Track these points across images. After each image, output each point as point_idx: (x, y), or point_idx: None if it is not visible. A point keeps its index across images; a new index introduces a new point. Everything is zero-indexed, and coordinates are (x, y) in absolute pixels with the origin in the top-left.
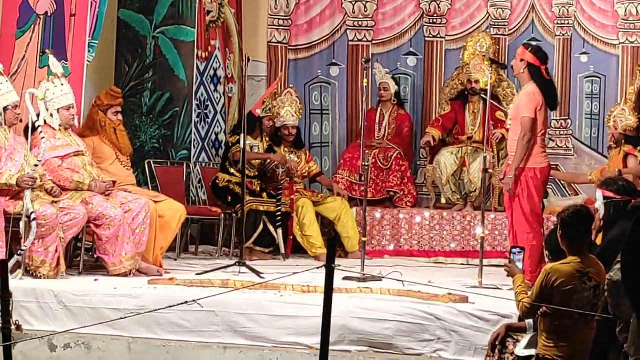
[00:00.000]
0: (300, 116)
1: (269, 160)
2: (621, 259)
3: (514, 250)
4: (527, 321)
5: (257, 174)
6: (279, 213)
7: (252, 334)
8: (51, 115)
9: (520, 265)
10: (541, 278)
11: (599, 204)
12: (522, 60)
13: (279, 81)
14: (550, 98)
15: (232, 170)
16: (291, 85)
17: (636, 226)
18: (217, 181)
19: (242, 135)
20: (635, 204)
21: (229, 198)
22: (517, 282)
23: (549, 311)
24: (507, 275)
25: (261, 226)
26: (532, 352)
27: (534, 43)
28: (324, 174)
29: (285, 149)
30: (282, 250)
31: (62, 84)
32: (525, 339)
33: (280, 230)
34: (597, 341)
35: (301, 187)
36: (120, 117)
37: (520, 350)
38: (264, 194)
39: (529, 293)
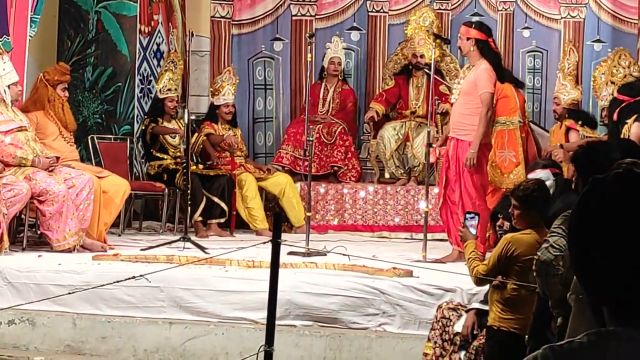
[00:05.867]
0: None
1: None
2: (568, 235)
3: (467, 215)
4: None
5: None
6: (217, 176)
7: (198, 309)
8: (4, 91)
9: (473, 230)
10: (500, 247)
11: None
12: (468, 38)
13: None
14: (499, 71)
15: (159, 155)
16: (232, 65)
17: (585, 199)
18: (149, 170)
19: (186, 110)
20: (596, 177)
21: (165, 177)
22: (469, 248)
23: (503, 281)
24: (460, 240)
25: (204, 200)
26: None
27: (476, 18)
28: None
29: (222, 126)
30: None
31: (8, 60)
32: (464, 317)
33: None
34: (538, 311)
35: (242, 160)
36: (66, 93)
37: (459, 326)
38: (200, 166)
39: (485, 260)
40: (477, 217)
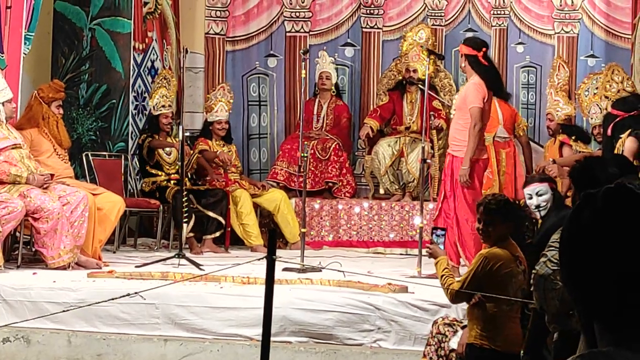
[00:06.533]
0: (231, 110)
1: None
2: (559, 252)
3: (435, 231)
4: None
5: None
6: (210, 191)
7: (193, 326)
8: None
9: (442, 246)
10: (477, 263)
11: (539, 199)
12: (461, 55)
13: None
14: (492, 84)
15: (153, 171)
16: (226, 82)
17: (576, 214)
18: (144, 187)
19: (180, 126)
20: (588, 193)
21: (157, 194)
22: (441, 265)
23: (482, 299)
24: (430, 257)
25: (193, 216)
26: None
27: (470, 34)
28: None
29: (216, 143)
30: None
31: (2, 78)
32: (459, 333)
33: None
34: (534, 327)
35: (237, 177)
36: (61, 110)
37: (455, 343)
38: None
39: (460, 277)
40: (444, 232)
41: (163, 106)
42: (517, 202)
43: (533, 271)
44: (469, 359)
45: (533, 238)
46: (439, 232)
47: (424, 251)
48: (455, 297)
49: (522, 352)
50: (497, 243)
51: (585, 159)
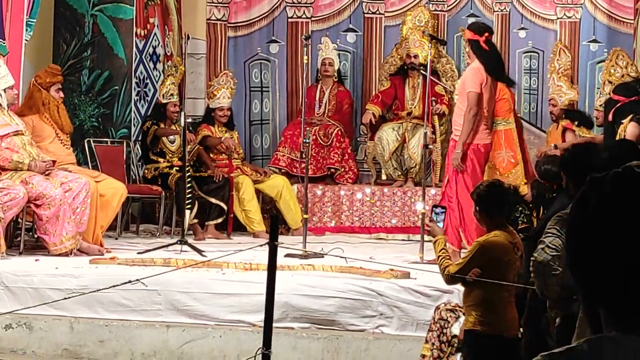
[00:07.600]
0: (233, 96)
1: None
2: (566, 239)
3: (435, 209)
4: None
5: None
6: (212, 177)
7: (195, 312)
8: (0, 95)
9: (441, 224)
10: (473, 252)
11: None
12: (466, 40)
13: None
14: (492, 69)
15: (155, 158)
16: (229, 69)
17: (583, 198)
18: (146, 173)
19: (182, 112)
20: (594, 177)
21: (159, 180)
22: (439, 246)
23: (474, 276)
24: (428, 235)
25: (196, 203)
26: None
27: (472, 19)
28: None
29: (219, 129)
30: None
31: (4, 64)
32: (461, 319)
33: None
34: (530, 306)
35: (239, 163)
36: (61, 94)
37: (457, 328)
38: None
39: (458, 260)
40: (444, 210)
41: (172, 94)
42: (510, 187)
43: (532, 258)
44: (469, 345)
45: (529, 222)
46: (439, 209)
47: (426, 237)
48: (451, 279)
49: (520, 329)
50: (495, 228)
51: (574, 146)
